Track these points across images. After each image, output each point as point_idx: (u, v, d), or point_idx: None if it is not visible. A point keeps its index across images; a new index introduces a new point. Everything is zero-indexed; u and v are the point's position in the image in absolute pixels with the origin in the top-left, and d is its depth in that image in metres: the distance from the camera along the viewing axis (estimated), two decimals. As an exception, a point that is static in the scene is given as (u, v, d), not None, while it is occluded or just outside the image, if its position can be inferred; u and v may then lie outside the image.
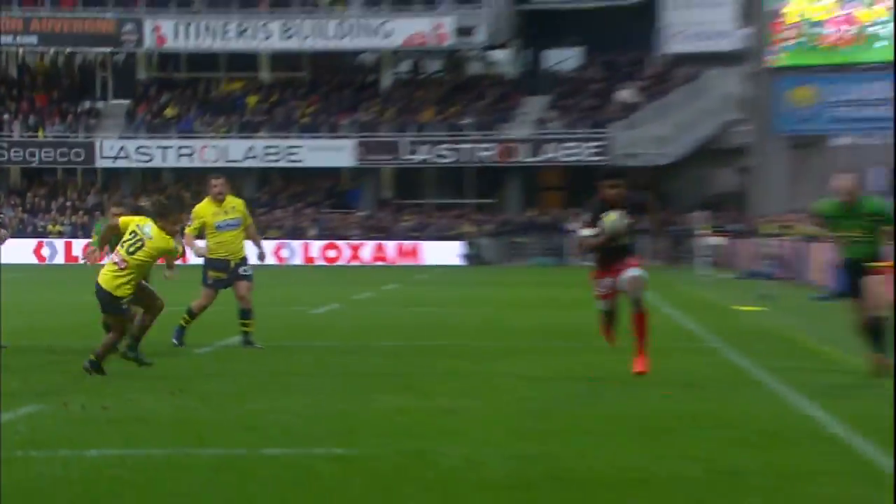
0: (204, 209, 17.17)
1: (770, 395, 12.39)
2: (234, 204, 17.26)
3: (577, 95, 64.37)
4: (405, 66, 68.88)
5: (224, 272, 16.97)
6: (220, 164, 63.57)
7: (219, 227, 17.06)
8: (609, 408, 11.32)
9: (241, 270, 17.05)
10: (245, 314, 16.92)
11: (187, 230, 16.97)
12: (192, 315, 16.97)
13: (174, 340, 16.67)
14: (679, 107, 61.05)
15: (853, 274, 13.68)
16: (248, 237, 17.39)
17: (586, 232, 13.35)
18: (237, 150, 63.52)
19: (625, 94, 63.19)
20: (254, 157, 63.22)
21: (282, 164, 63.75)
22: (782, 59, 61.41)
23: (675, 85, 62.33)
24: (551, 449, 9.15)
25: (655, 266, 56.37)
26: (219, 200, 17.17)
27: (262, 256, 17.60)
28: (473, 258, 59.06)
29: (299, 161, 63.50)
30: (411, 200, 65.64)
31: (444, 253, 59.09)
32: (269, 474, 8.28)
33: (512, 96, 65.31)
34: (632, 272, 13.31)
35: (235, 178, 65.15)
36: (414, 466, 8.52)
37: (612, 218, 13.16)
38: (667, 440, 9.60)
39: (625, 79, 64.48)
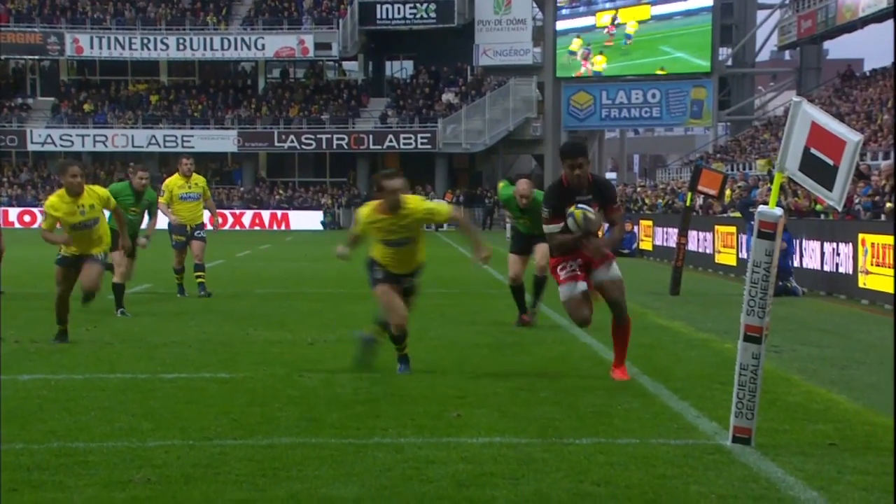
0: (172, 182, 16.74)
1: (557, 329, 12.56)
2: (197, 181, 16.81)
3: (410, 97, 64.26)
4: (276, 73, 68.12)
5: (183, 235, 16.58)
6: (128, 149, 62.45)
7: (182, 198, 16.63)
8: (434, 340, 11.36)
9: (196, 234, 16.64)
10: (199, 267, 16.54)
11: (161, 199, 16.44)
12: (177, 272, 16.57)
13: (180, 295, 16.23)
14: (490, 107, 61.33)
15: (523, 241, 13.34)
16: (206, 208, 16.92)
17: (552, 228, 8.66)
18: (142, 138, 62.44)
19: (448, 97, 63.30)
20: (156, 143, 62.15)
21: (178, 149, 62.32)
22: (566, 71, 62.27)
23: (486, 90, 62.60)
24: (390, 373, 9.15)
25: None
26: (187, 176, 16.70)
27: (215, 225, 17.07)
28: (330, 224, 58.81)
29: (192, 147, 62.24)
30: (282, 179, 65.12)
31: (308, 220, 58.70)
32: (166, 393, 8.16)
33: (360, 97, 64.99)
34: (611, 273, 8.88)
35: (140, 161, 64.23)
36: (282, 386, 8.46)
37: (581, 214, 8.58)
38: (479, 364, 9.65)
39: (448, 85, 64.57)
